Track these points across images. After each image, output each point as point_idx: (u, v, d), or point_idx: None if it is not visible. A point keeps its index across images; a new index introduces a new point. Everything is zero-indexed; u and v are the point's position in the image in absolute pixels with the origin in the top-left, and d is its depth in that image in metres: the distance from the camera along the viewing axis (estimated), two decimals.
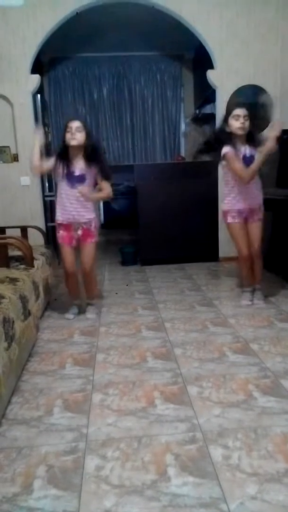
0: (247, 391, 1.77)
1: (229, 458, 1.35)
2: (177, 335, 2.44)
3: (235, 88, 4.13)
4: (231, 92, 4.12)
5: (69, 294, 2.93)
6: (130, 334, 2.50)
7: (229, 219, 2.83)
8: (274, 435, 1.46)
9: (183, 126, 6.35)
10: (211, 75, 4.20)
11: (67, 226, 2.70)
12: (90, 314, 2.86)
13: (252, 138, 2.68)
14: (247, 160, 2.67)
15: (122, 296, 3.34)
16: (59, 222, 2.70)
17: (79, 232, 2.71)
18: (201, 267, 4.18)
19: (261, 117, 4.19)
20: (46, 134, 4.42)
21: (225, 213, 2.85)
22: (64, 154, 2.59)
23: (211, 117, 4.85)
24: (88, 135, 2.58)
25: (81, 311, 2.92)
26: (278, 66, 4.14)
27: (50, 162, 2.63)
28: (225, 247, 4.24)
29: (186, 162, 5.26)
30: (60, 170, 2.60)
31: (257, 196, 2.79)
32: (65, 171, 2.59)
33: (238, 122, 2.61)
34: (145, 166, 4.62)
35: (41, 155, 2.63)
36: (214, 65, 4.17)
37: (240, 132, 2.63)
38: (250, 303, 2.93)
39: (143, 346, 2.30)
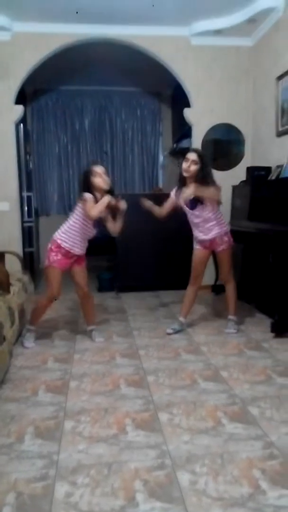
0: (215, 417, 1.83)
1: (195, 483, 1.40)
2: (151, 363, 2.49)
3: (210, 126, 4.37)
4: (206, 129, 4.36)
5: (34, 318, 2.87)
6: (104, 361, 2.53)
7: (194, 245, 3.06)
8: (240, 460, 1.52)
9: (161, 159, 6.59)
10: (187, 113, 4.44)
11: (69, 254, 2.74)
12: (99, 338, 2.92)
13: (201, 181, 2.75)
14: (190, 202, 2.84)
15: (97, 322, 3.36)
16: (67, 249, 2.71)
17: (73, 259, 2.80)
18: (177, 295, 4.25)
19: (233, 153, 4.45)
20: (27, 162, 4.53)
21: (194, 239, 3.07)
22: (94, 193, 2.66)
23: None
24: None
25: (46, 333, 2.97)
26: (250, 107, 4.42)
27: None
28: None
29: (163, 194, 5.43)
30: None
31: (211, 232, 2.91)
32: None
33: (185, 165, 2.80)
34: (124, 196, 4.73)
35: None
36: (191, 103, 4.41)
37: (185, 174, 2.81)
38: (172, 331, 3.01)
39: (116, 373, 2.34)
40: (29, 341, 2.83)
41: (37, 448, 1.61)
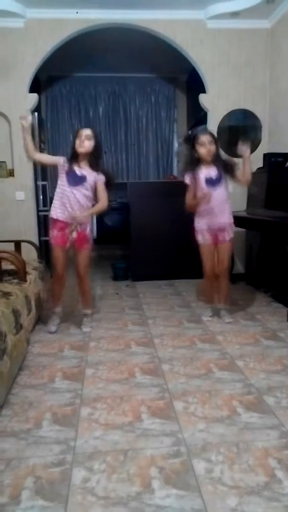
0: (231, 406, 1.83)
1: (211, 472, 1.40)
2: (165, 351, 2.49)
3: (225, 112, 4.29)
4: (222, 115, 4.28)
5: (53, 300, 2.96)
6: (119, 349, 2.55)
7: (200, 239, 2.96)
8: (255, 450, 1.52)
9: (176, 146, 6.51)
10: (203, 98, 4.36)
11: (63, 226, 2.73)
12: (86, 328, 2.91)
13: (217, 159, 2.84)
14: (211, 182, 2.82)
15: (113, 311, 3.39)
16: (57, 219, 2.73)
17: (74, 235, 2.76)
18: (191, 284, 4.25)
19: (251, 139, 4.35)
20: (41, 150, 4.54)
21: (196, 232, 2.97)
22: (73, 157, 2.70)
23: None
24: (97, 144, 2.70)
25: (62, 320, 2.97)
26: (267, 92, 4.31)
27: (54, 158, 2.81)
28: None
29: (178, 181, 5.38)
30: (66, 169, 2.70)
31: (225, 215, 2.88)
32: (68, 169, 2.69)
33: (204, 149, 2.78)
34: (138, 184, 4.74)
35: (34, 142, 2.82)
36: (206, 89, 4.33)
37: (207, 158, 2.81)
38: (210, 318, 3.07)
39: (131, 362, 2.35)
40: (50, 326, 2.89)
41: (54, 434, 1.64)
